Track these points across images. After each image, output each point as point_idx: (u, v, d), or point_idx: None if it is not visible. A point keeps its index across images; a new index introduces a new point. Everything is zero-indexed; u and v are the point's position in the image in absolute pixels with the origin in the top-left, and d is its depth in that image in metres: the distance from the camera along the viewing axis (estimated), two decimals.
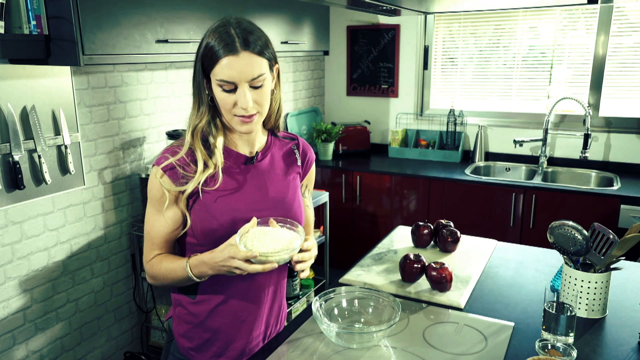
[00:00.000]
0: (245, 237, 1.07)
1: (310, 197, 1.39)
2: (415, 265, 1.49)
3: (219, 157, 1.15)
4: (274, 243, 1.08)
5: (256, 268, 1.05)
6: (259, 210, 1.16)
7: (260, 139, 1.25)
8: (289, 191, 1.25)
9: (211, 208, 1.15)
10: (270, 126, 1.28)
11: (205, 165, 1.14)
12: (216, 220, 1.14)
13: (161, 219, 1.17)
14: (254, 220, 1.10)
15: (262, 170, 1.22)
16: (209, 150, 1.15)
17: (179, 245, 1.25)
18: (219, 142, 1.16)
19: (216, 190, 1.15)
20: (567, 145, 3.18)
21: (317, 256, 3.77)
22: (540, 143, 3.17)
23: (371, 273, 1.58)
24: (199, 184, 1.13)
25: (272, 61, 1.14)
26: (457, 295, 1.42)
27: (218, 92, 1.10)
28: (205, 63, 1.10)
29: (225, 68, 1.07)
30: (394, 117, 3.72)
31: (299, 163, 1.31)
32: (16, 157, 1.82)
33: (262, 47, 1.10)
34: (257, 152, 1.22)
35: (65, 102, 2.01)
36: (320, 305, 1.26)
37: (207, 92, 1.14)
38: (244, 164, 1.20)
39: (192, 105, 1.17)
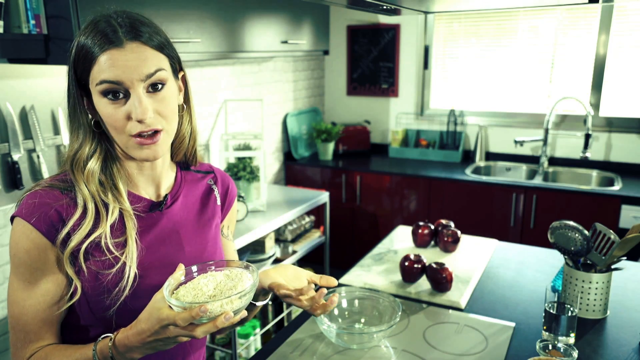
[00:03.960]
0: (177, 292, 0.78)
1: (232, 237, 1.13)
2: (416, 266, 1.48)
3: (124, 201, 0.88)
4: (220, 287, 0.78)
5: (206, 329, 0.72)
6: (171, 273, 0.82)
7: (167, 175, 0.97)
8: (208, 243, 0.99)
9: (106, 274, 0.84)
10: (181, 158, 0.99)
11: (97, 212, 0.85)
12: (112, 291, 0.85)
13: (36, 293, 0.84)
14: (181, 267, 0.81)
15: (174, 218, 0.95)
16: (104, 191, 0.87)
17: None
18: (120, 183, 0.89)
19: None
20: (568, 145, 3.17)
21: (317, 256, 3.72)
22: (541, 143, 3.16)
23: (371, 273, 1.58)
24: (87, 236, 0.83)
25: (176, 64, 0.88)
26: (458, 295, 1.42)
27: (103, 106, 0.82)
28: (78, 69, 0.82)
29: (106, 65, 0.79)
30: (394, 117, 3.72)
31: (219, 202, 1.05)
32: (15, 157, 1.81)
33: (160, 42, 0.84)
34: (165, 195, 0.95)
35: (64, 102, 1.99)
36: None
37: (87, 113, 0.87)
38: (149, 211, 0.92)
39: (70, 131, 0.89)
